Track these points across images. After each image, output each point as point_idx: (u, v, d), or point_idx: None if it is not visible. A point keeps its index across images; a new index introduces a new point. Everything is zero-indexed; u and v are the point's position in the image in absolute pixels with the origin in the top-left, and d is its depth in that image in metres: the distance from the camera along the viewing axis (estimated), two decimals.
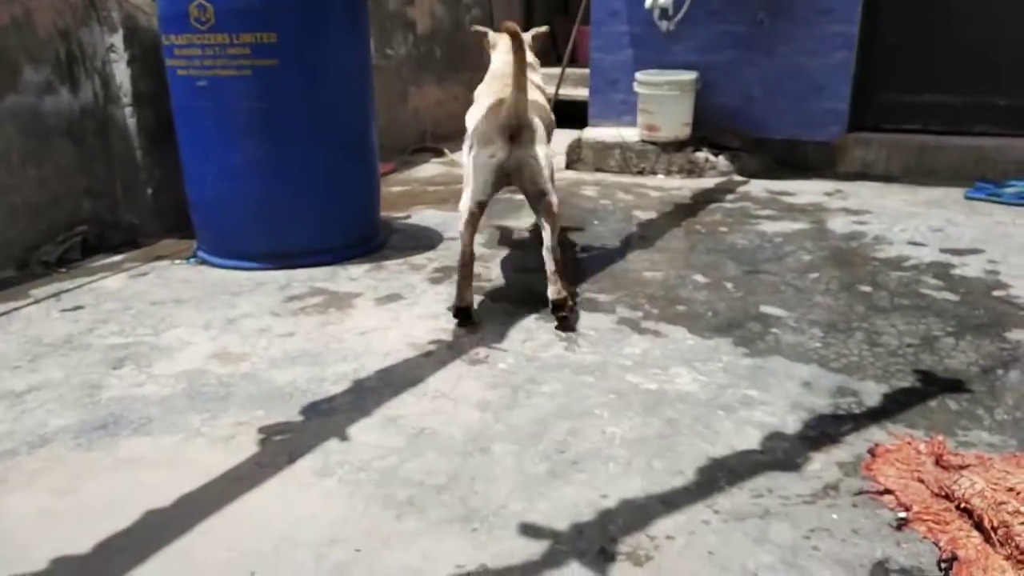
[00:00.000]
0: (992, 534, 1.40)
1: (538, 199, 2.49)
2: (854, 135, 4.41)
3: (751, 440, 1.82)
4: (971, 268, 2.90)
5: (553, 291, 2.43)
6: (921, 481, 1.59)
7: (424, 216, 3.74)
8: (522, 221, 3.59)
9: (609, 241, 3.33)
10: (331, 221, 3.10)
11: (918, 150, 4.28)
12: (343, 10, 3.00)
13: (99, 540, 1.53)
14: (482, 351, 2.30)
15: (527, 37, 2.88)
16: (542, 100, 2.91)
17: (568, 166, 4.68)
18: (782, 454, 1.77)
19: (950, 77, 4.27)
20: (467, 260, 2.47)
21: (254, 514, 1.61)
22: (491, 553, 1.47)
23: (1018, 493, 1.44)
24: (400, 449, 1.82)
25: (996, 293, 2.66)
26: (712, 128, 4.54)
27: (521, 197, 2.69)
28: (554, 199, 2.50)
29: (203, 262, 3.09)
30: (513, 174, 2.47)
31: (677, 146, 4.46)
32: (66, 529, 1.57)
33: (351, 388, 2.10)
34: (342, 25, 3.01)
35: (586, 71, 5.00)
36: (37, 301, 2.76)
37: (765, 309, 2.57)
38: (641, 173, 4.52)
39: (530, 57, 2.84)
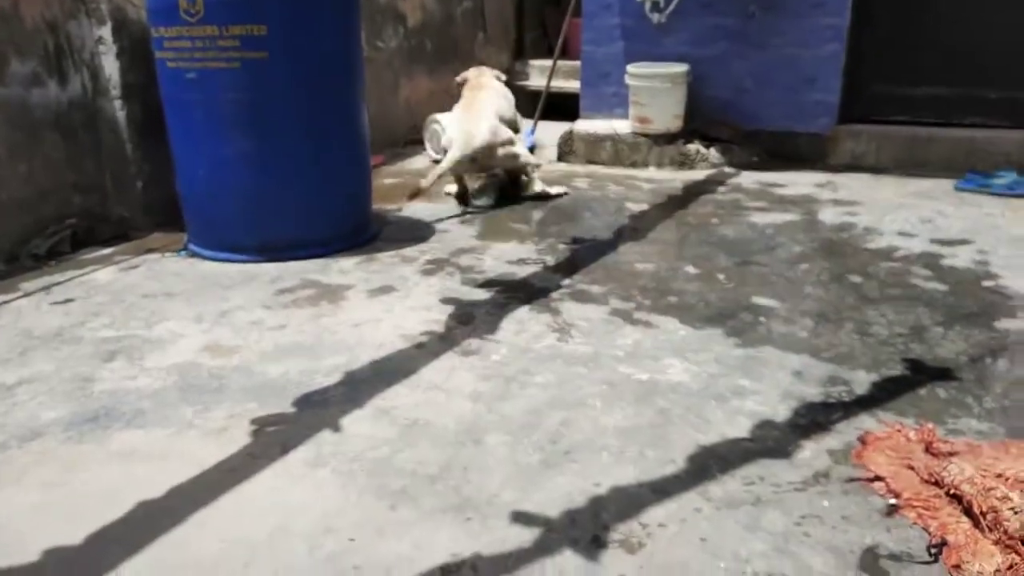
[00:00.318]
0: (981, 519, 1.42)
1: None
2: (845, 127, 4.43)
3: (742, 429, 1.84)
4: (960, 259, 2.92)
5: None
6: (911, 468, 1.61)
7: (416, 209, 3.73)
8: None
9: (601, 233, 3.34)
10: (322, 213, 3.09)
11: (908, 142, 4.31)
12: (333, 2, 2.99)
13: (92, 532, 1.53)
14: (474, 342, 2.30)
15: (491, 77, 4.05)
16: (504, 103, 3.95)
17: (560, 158, 4.68)
18: (773, 442, 1.78)
19: (940, 69, 4.29)
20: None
21: (247, 505, 1.61)
22: (484, 542, 1.48)
23: (1007, 479, 1.46)
24: (393, 440, 1.82)
25: (985, 283, 2.68)
26: (703, 120, 4.55)
27: None
28: (529, 169, 3.91)
29: (194, 255, 3.08)
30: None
31: (669, 138, 4.47)
32: (58, 521, 1.56)
33: (344, 380, 2.10)
34: (332, 17, 3.00)
35: (577, 64, 5.00)
36: (27, 294, 2.75)
37: (756, 300, 2.58)
38: (633, 165, 4.52)
39: (495, 75, 4.08)
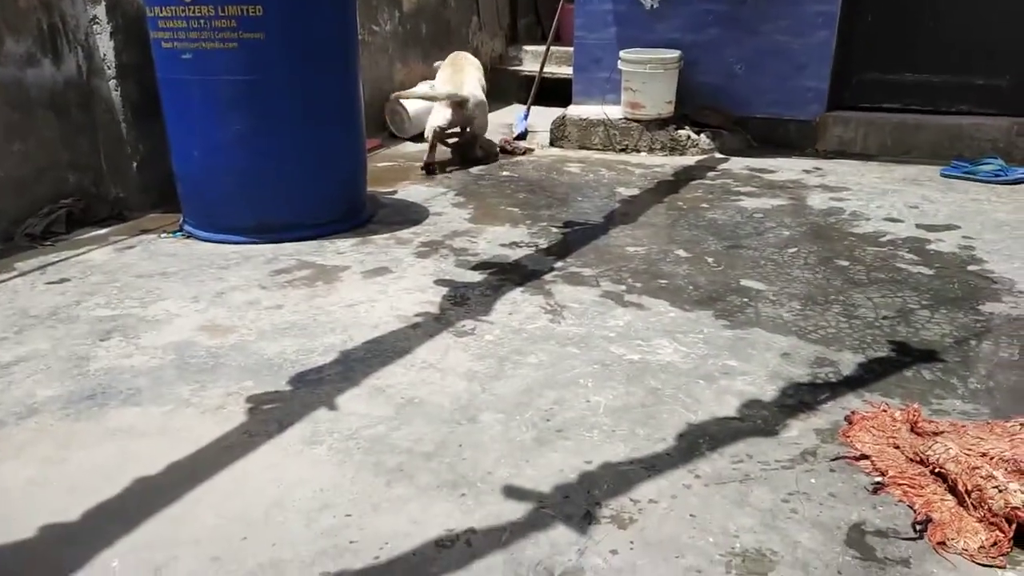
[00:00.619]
0: (966, 497, 1.46)
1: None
2: (833, 114, 4.46)
3: (731, 408, 1.87)
4: (946, 244, 2.96)
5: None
6: (896, 447, 1.65)
7: (410, 192, 3.74)
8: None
9: (593, 217, 3.36)
10: (317, 195, 3.10)
11: (896, 128, 4.34)
12: None
13: (89, 508, 1.55)
14: (469, 323, 2.33)
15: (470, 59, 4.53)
16: (480, 83, 4.40)
17: (552, 143, 4.70)
18: (761, 422, 1.82)
19: (928, 57, 4.32)
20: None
21: (244, 482, 1.63)
22: (479, 517, 1.51)
23: (991, 458, 1.49)
24: (389, 418, 1.85)
25: (971, 268, 2.73)
26: (694, 106, 4.56)
27: None
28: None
29: (189, 236, 3.08)
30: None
31: (660, 124, 4.49)
32: (56, 498, 1.58)
33: (339, 359, 2.12)
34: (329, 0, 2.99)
35: (570, 49, 5.00)
36: (23, 274, 2.75)
37: (745, 283, 2.62)
38: (624, 150, 4.54)
39: (474, 61, 4.51)
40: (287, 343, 2.21)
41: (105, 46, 3.20)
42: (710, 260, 2.83)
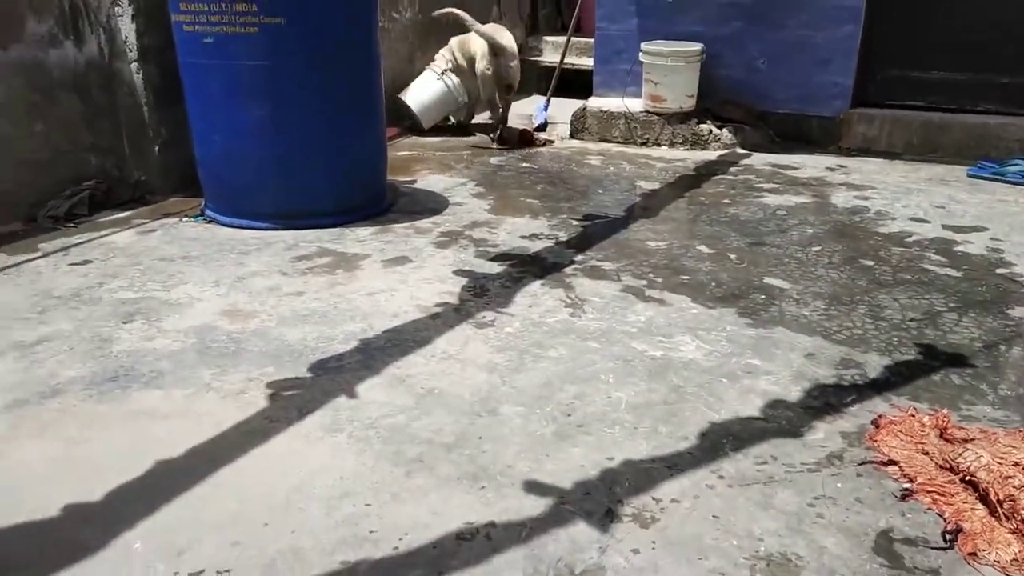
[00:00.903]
0: (998, 507, 1.43)
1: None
2: (858, 110, 4.40)
3: (755, 408, 1.85)
4: (974, 245, 2.92)
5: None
6: (925, 453, 1.62)
7: (429, 181, 3.73)
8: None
9: (613, 210, 3.33)
10: (338, 183, 3.10)
11: (921, 127, 4.28)
12: None
13: (111, 489, 1.56)
14: (488, 315, 2.32)
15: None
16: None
17: (573, 135, 4.66)
18: (786, 423, 1.80)
19: (954, 54, 4.24)
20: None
21: (265, 467, 1.63)
22: (498, 510, 1.50)
23: None
24: (409, 408, 1.84)
25: (999, 271, 2.69)
26: (716, 100, 4.52)
27: None
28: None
29: (211, 220, 3.08)
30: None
31: (681, 117, 4.44)
32: (79, 478, 1.59)
33: (359, 347, 2.12)
34: None
35: (591, 40, 4.96)
36: (45, 255, 2.76)
37: (768, 280, 2.59)
38: (645, 144, 4.50)
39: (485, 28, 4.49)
40: (308, 330, 2.21)
41: (127, 28, 3.19)
42: (733, 257, 2.80)
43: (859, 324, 2.28)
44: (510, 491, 1.56)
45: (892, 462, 1.61)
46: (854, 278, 2.61)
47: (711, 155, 4.28)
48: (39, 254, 2.77)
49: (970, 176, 3.83)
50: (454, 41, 4.63)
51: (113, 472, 1.60)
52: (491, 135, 4.51)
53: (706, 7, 4.48)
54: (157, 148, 3.34)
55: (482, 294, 2.47)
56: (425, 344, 2.14)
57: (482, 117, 4.87)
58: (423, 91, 4.63)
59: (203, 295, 2.42)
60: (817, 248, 2.89)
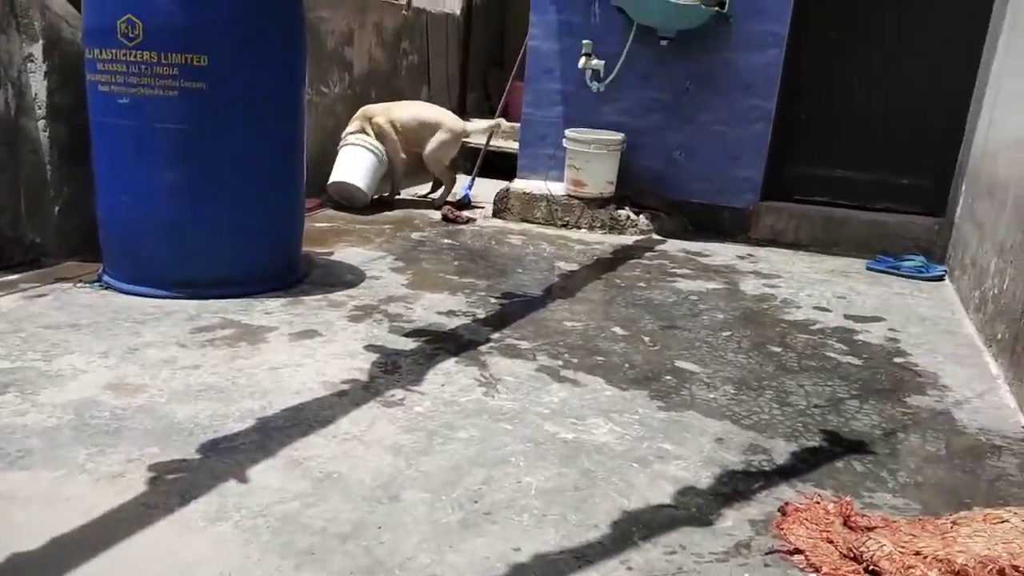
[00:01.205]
0: None
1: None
2: (766, 203, 4.61)
3: (665, 494, 1.82)
4: (873, 335, 3.03)
5: None
6: (830, 542, 1.61)
7: (347, 254, 3.66)
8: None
9: (532, 289, 3.33)
10: (249, 251, 2.99)
11: (825, 221, 4.50)
12: (279, 40, 2.95)
13: None
14: (398, 393, 2.23)
15: None
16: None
17: (495, 215, 4.70)
18: (696, 510, 1.76)
19: (857, 155, 4.53)
20: None
21: (136, 561, 1.48)
22: None
23: (925, 557, 1.47)
24: (304, 494, 1.73)
25: (896, 359, 2.78)
26: (635, 188, 4.66)
27: None
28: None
29: (108, 287, 2.91)
30: None
31: (601, 203, 4.55)
32: None
33: (256, 426, 1.99)
34: (277, 55, 2.95)
35: (517, 125, 5.08)
36: None
37: (680, 364, 2.61)
38: (565, 226, 4.58)
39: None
40: (201, 407, 2.07)
41: (38, 85, 3.07)
42: (646, 339, 2.82)
43: (767, 409, 2.30)
44: None
45: (798, 551, 1.59)
46: (762, 363, 2.66)
47: (628, 240, 4.37)
48: None
49: (869, 269, 4.02)
50: (364, 110, 4.70)
51: None
52: (442, 205, 4.71)
53: (629, 99, 4.67)
54: (57, 209, 3.18)
55: (393, 371, 2.39)
56: (328, 424, 2.04)
57: (409, 192, 4.89)
58: (357, 165, 4.57)
59: (89, 366, 2.26)
60: (727, 333, 2.94)
